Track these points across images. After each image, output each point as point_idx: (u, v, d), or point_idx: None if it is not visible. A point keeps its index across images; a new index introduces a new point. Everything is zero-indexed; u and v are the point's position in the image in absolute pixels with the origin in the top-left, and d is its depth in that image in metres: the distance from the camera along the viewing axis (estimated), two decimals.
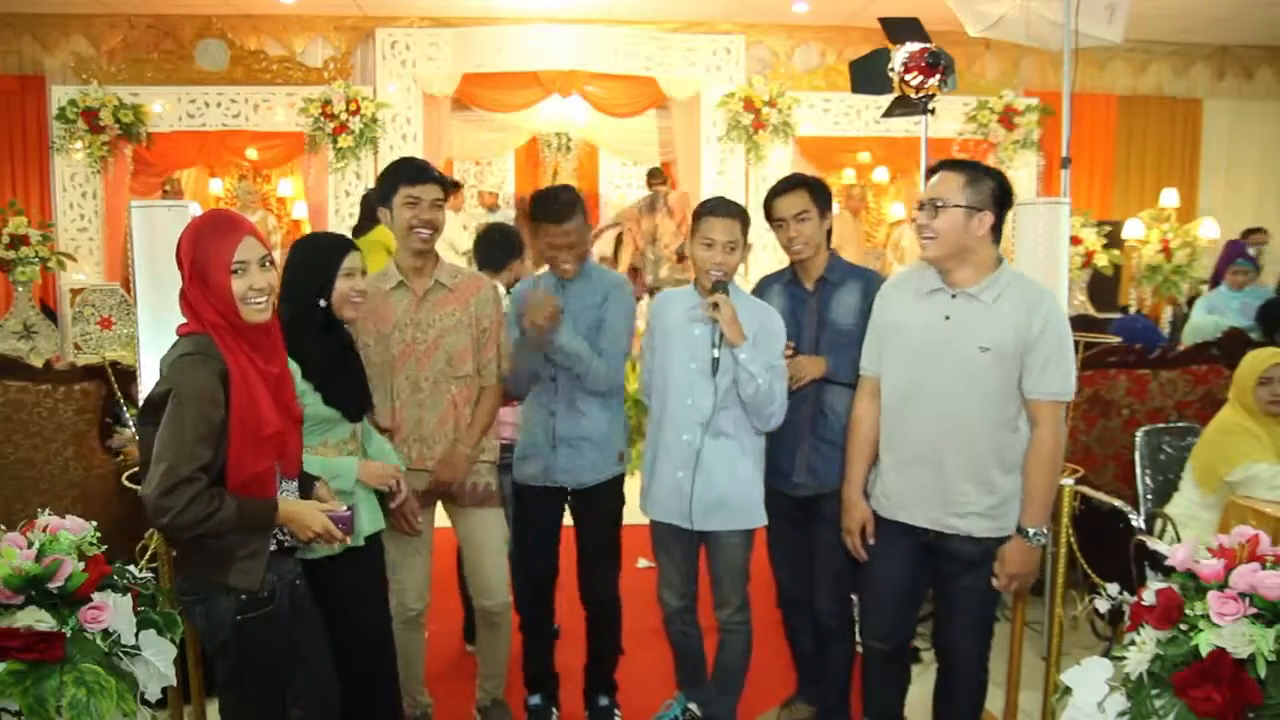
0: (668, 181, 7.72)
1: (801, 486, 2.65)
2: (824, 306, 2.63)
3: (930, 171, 2.33)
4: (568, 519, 2.84)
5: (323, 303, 2.24)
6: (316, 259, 2.28)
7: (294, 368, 2.15)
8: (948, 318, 2.25)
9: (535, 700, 2.92)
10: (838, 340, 2.57)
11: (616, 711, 2.93)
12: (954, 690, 2.44)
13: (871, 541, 2.42)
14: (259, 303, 1.85)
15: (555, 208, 2.61)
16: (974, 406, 2.22)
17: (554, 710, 2.95)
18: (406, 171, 2.53)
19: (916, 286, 2.34)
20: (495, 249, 3.51)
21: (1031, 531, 2.23)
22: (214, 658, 1.91)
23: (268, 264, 1.87)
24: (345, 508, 1.95)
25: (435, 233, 2.54)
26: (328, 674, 2.08)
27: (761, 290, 2.77)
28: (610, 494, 2.78)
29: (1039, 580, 3.18)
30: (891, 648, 2.48)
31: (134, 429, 3.03)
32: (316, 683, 2.03)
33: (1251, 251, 6.47)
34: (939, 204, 2.21)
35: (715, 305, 2.47)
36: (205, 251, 1.82)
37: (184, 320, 1.87)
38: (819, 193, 2.65)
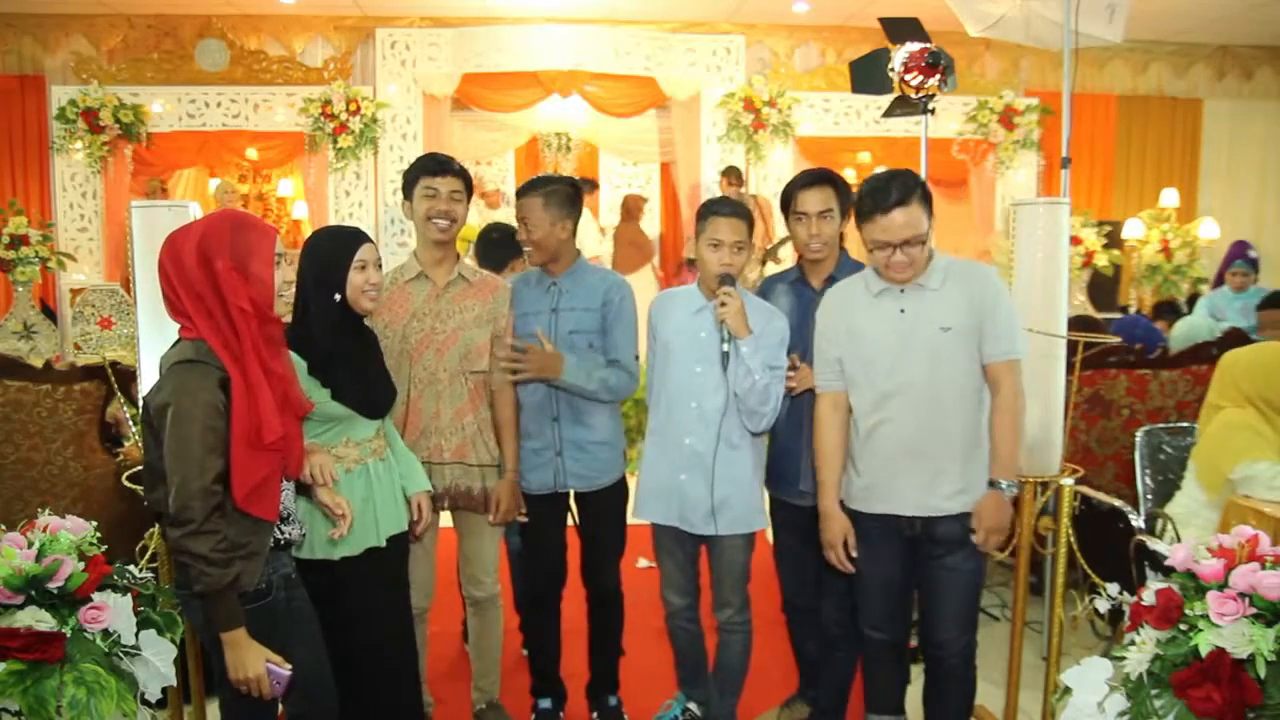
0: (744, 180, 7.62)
1: (807, 495, 2.63)
2: None
3: (882, 211, 2.24)
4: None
5: (337, 296, 2.22)
6: (328, 252, 2.26)
7: (300, 363, 2.16)
8: (903, 311, 2.33)
9: (545, 704, 2.91)
10: None
11: (625, 713, 2.93)
12: (943, 687, 2.46)
13: (854, 554, 2.43)
14: (285, 295, 1.93)
15: (525, 184, 2.71)
16: (945, 386, 2.31)
17: (561, 716, 2.94)
18: (426, 164, 2.59)
19: (862, 292, 2.39)
20: (495, 248, 3.49)
21: (1004, 484, 2.31)
22: (212, 652, 1.91)
23: (285, 261, 1.93)
24: (288, 668, 1.87)
25: (453, 224, 2.58)
26: (321, 672, 2.08)
27: (766, 290, 2.76)
28: (617, 493, 2.79)
29: (1039, 580, 3.19)
30: (890, 636, 2.50)
31: (135, 433, 3.03)
32: (308, 680, 2.02)
33: (1253, 254, 6.48)
34: (922, 240, 2.28)
35: (723, 302, 2.47)
36: (249, 243, 1.85)
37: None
38: (843, 192, 2.62)
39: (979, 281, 2.33)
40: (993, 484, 2.32)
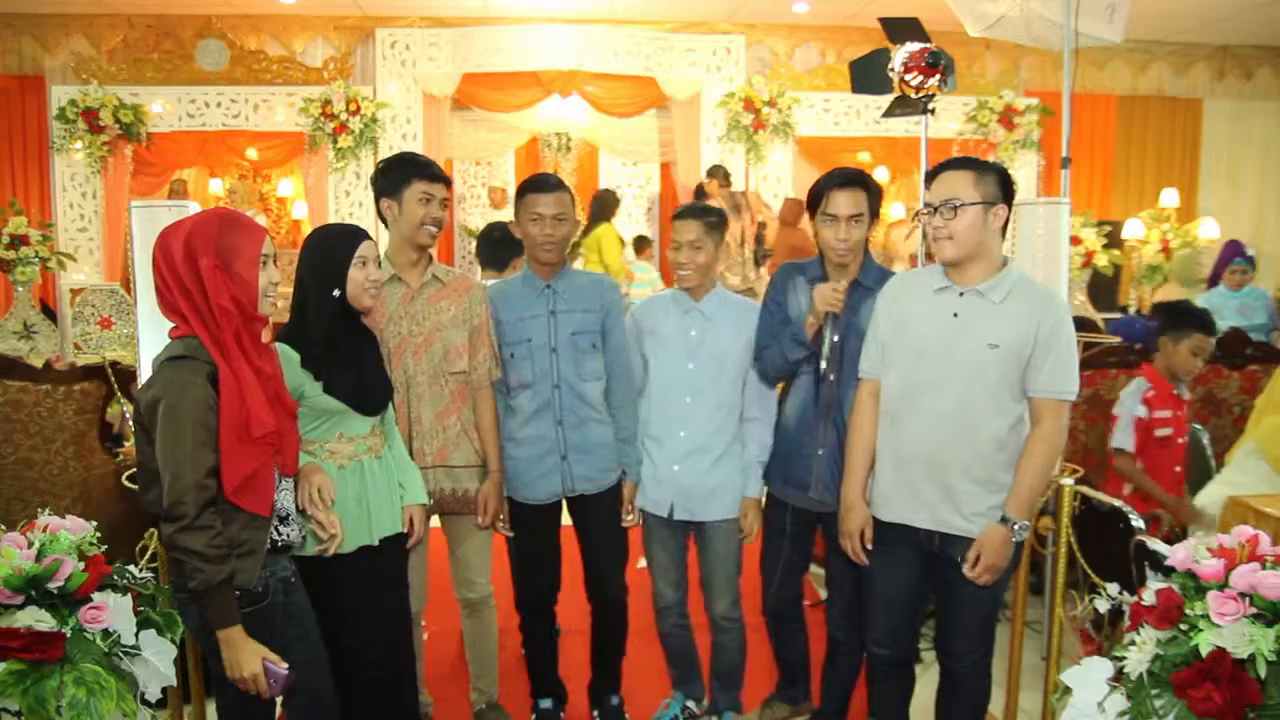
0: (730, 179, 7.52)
1: (818, 501, 2.61)
2: (853, 311, 2.53)
3: (931, 175, 2.29)
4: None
5: (336, 293, 2.23)
6: (329, 249, 2.26)
7: (293, 356, 2.17)
8: (956, 315, 2.23)
9: (546, 704, 2.91)
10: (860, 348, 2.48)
11: (626, 713, 2.93)
12: (956, 697, 2.43)
13: (870, 547, 2.39)
14: (272, 296, 1.92)
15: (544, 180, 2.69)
16: (979, 404, 2.21)
17: (562, 716, 2.93)
18: (420, 167, 2.55)
19: (923, 285, 2.32)
20: (498, 247, 3.50)
21: (1017, 525, 2.20)
22: (209, 655, 1.92)
23: (273, 261, 1.94)
24: (285, 667, 1.86)
25: (440, 230, 2.57)
26: (320, 674, 2.08)
27: (785, 277, 2.69)
28: (616, 494, 2.77)
29: (1039, 580, 3.18)
30: (894, 653, 2.47)
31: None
32: (307, 682, 2.02)
33: (1250, 252, 6.48)
34: (956, 204, 2.17)
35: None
36: (234, 243, 1.86)
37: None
38: (875, 194, 2.56)
39: (1048, 308, 2.19)
40: (1004, 519, 2.21)
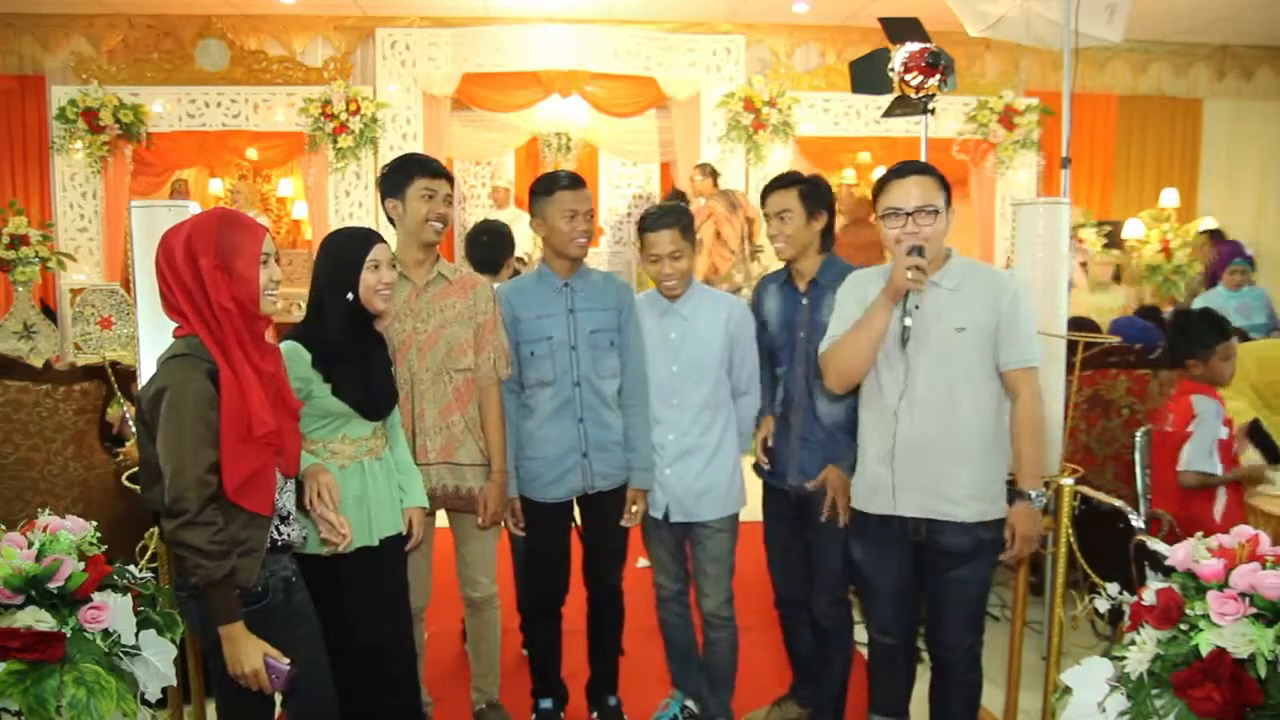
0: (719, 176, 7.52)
1: (795, 487, 2.67)
2: (815, 309, 2.62)
3: (889, 180, 2.30)
4: None
5: (350, 296, 2.24)
6: (342, 252, 2.28)
7: (304, 354, 2.18)
8: (917, 307, 2.29)
9: (546, 704, 2.91)
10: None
11: (624, 714, 2.93)
12: (949, 689, 2.45)
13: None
14: (273, 294, 1.93)
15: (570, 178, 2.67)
16: (957, 388, 2.28)
17: (562, 716, 2.93)
18: (423, 165, 2.58)
19: (880, 283, 2.35)
20: (489, 249, 3.47)
21: (1034, 495, 2.30)
22: (210, 655, 1.92)
23: (275, 260, 1.95)
24: (287, 662, 1.87)
25: (445, 226, 2.59)
26: (320, 674, 2.08)
27: (761, 288, 2.81)
28: (623, 494, 2.77)
29: (1039, 580, 3.18)
30: (899, 640, 2.50)
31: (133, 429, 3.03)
32: (307, 682, 2.02)
33: (1250, 252, 6.49)
34: (934, 210, 2.24)
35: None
36: (235, 242, 1.87)
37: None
38: (810, 193, 2.63)
39: (999, 286, 2.30)
40: (1021, 494, 2.30)
